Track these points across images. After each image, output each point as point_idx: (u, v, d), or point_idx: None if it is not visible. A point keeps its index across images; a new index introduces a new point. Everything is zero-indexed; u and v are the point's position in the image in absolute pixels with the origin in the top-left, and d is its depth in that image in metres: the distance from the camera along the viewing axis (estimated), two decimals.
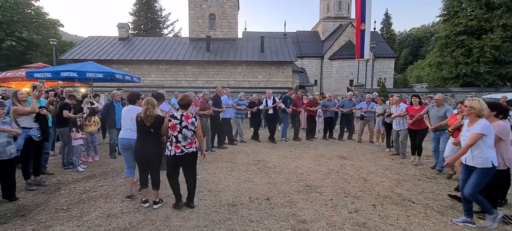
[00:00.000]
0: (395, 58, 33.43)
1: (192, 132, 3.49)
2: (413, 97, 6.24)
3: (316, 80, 30.14)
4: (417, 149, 6.07)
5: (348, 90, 19.25)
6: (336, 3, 32.82)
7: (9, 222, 3.21)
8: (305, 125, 10.11)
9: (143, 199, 3.71)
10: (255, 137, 8.81)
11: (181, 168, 3.61)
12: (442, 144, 5.22)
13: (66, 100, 5.53)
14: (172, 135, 3.43)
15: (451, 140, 4.56)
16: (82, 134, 5.56)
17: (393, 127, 6.80)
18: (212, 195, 4.11)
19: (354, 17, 17.55)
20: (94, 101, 6.96)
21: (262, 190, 4.34)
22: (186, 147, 3.46)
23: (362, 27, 15.18)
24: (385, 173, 5.33)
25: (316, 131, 9.65)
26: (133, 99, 4.07)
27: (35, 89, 4.64)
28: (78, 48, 20.98)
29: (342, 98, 10.08)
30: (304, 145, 8.20)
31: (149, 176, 3.75)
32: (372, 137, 8.61)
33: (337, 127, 9.59)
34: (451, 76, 20.21)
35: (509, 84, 19.02)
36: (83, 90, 11.81)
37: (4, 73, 10.76)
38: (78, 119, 5.56)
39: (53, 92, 7.66)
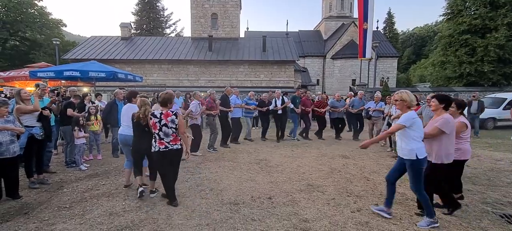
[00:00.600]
0: (398, 58, 33.28)
1: (173, 129, 3.52)
2: None
3: (318, 80, 30.08)
4: None
5: (350, 89, 19.16)
6: (338, 2, 32.70)
7: (12, 220, 3.23)
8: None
9: (137, 186, 3.84)
10: (263, 136, 8.82)
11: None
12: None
13: (71, 99, 5.57)
14: (154, 132, 3.53)
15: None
16: (84, 133, 5.59)
17: None
18: (214, 193, 4.10)
19: (357, 16, 17.47)
20: (95, 100, 7.00)
21: (264, 189, 4.33)
22: (170, 143, 3.52)
23: (365, 26, 15.07)
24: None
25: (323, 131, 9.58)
26: (130, 97, 4.34)
27: (38, 88, 4.67)
28: (80, 47, 21.10)
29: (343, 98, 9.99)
30: (306, 144, 8.18)
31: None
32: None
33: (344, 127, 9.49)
34: (454, 75, 20.04)
35: None
36: (85, 89, 11.86)
37: (8, 72, 10.82)
38: (80, 118, 5.59)
39: (56, 92, 7.70)
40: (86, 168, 5.32)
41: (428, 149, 3.24)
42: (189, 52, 20.96)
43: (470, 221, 3.30)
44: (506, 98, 11.92)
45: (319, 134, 9.09)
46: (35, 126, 4.26)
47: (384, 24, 42.91)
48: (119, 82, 10.81)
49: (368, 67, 18.41)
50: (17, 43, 26.65)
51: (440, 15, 21.84)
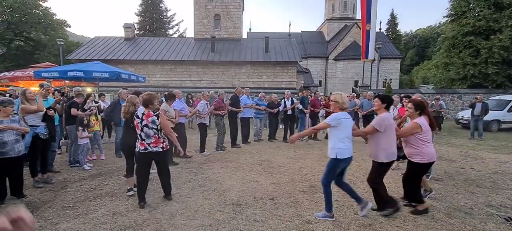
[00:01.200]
0: (401, 59, 33.10)
1: (154, 130, 3.51)
2: (404, 98, 5.53)
3: (320, 81, 30.02)
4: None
5: (353, 91, 19.11)
6: (341, 4, 32.64)
7: None
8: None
9: (128, 188, 3.91)
10: (272, 137, 8.83)
11: (152, 166, 3.80)
12: None
13: (75, 99, 5.61)
14: (138, 133, 3.57)
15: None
16: (88, 133, 5.62)
17: None
18: (216, 194, 4.11)
19: (360, 18, 17.43)
20: (98, 100, 7.05)
21: (267, 190, 4.33)
22: (151, 145, 3.53)
23: (368, 28, 15.04)
24: (391, 175, 5.25)
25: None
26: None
27: (43, 88, 4.71)
28: (84, 48, 21.25)
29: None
30: (309, 145, 8.16)
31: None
32: None
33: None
34: (458, 77, 19.89)
35: None
36: (89, 89, 11.94)
37: (13, 72, 10.94)
38: (84, 118, 5.62)
39: (60, 92, 7.76)
40: (89, 168, 5.35)
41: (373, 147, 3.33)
42: (192, 53, 21.03)
43: (475, 224, 3.28)
44: (511, 101, 11.85)
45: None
46: (39, 126, 4.30)
47: (387, 25, 42.80)
48: (122, 83, 10.87)
49: (371, 68, 18.35)
50: (22, 43, 26.86)
51: (444, 17, 21.69)
